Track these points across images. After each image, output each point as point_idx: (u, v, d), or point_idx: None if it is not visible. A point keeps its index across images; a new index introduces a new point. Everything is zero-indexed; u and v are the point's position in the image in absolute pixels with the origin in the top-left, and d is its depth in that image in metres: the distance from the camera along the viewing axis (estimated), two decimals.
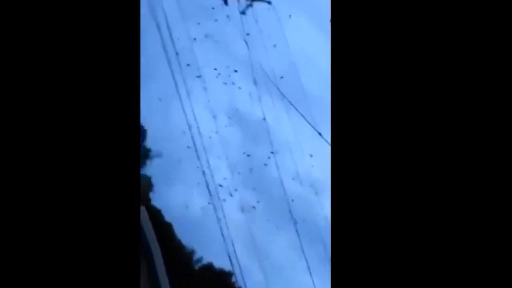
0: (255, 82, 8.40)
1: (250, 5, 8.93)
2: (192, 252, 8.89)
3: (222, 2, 9.04)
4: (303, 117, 7.86)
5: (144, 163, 9.48)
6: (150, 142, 9.28)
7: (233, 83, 8.69)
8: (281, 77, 8.25)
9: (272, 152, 8.41)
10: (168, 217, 8.36)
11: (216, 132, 8.76)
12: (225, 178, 8.10)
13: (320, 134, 7.44)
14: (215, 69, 8.38)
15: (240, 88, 8.66)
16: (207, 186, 8.46)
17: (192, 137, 8.39)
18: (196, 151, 7.99)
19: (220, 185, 8.37)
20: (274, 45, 8.46)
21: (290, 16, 9.13)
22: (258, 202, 8.48)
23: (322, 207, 8.04)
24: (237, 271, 8.40)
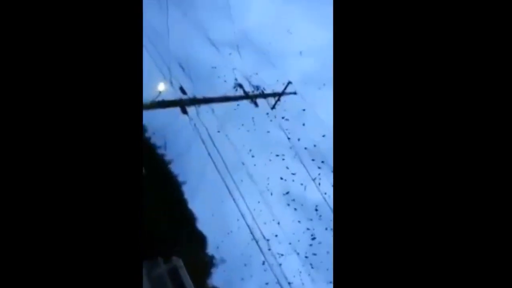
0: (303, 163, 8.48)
1: (278, 100, 9.45)
2: None
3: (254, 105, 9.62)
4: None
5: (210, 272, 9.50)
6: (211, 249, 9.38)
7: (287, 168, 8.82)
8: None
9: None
10: None
11: (278, 223, 8.73)
12: (295, 275, 7.82)
13: None
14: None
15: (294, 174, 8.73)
16: (278, 283, 8.29)
17: (253, 237, 8.40)
18: (262, 252, 7.94)
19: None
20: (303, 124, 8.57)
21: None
22: None
23: None
24: None
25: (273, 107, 8.94)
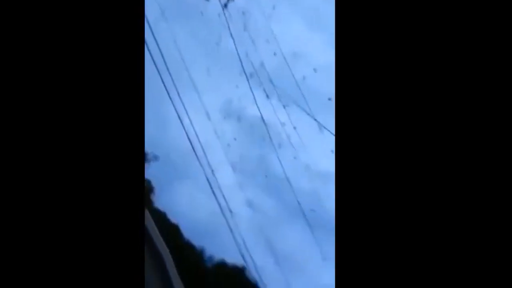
0: (247, 78, 8.29)
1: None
2: (202, 251, 8.79)
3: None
4: (302, 108, 7.71)
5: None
6: (146, 145, 9.22)
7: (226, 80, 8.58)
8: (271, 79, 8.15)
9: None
10: (173, 219, 8.26)
11: (214, 131, 8.67)
12: (226, 176, 8.00)
13: (320, 123, 7.31)
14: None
15: (237, 86, 8.56)
16: (210, 185, 8.34)
17: (189, 138, 8.28)
18: (195, 151, 7.88)
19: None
20: (267, 40, 8.35)
21: (274, 7, 9.03)
22: (264, 197, 8.38)
23: (328, 198, 7.89)
24: (250, 266, 8.28)
25: (225, 5, 8.30)
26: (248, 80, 8.34)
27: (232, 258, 8.62)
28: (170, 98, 8.09)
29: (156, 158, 9.07)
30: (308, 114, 7.89)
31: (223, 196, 8.21)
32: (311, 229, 8.40)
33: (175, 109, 8.16)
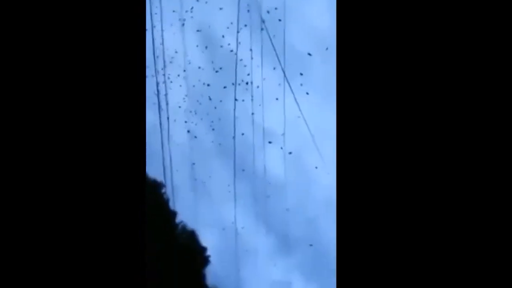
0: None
1: None
2: None
3: None
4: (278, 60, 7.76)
5: None
6: None
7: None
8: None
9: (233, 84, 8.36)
10: None
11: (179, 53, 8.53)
12: (182, 100, 8.03)
13: (289, 84, 7.46)
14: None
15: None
16: (159, 103, 8.37)
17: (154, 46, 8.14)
18: (155, 70, 7.81)
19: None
20: None
21: None
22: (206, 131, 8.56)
23: (264, 154, 8.28)
24: (168, 184, 8.61)
25: None
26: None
27: (157, 175, 8.89)
28: None
29: None
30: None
31: (167, 117, 8.31)
32: (234, 174, 8.85)
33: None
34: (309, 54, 7.71)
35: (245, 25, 7.93)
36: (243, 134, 8.13)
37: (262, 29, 7.86)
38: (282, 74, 7.96)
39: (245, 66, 8.12)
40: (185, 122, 8.43)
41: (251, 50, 8.08)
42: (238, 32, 7.81)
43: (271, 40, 8.06)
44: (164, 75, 8.19)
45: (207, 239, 9.53)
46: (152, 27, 7.98)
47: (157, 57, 7.98)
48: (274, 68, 7.80)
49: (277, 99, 8.10)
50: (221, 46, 7.76)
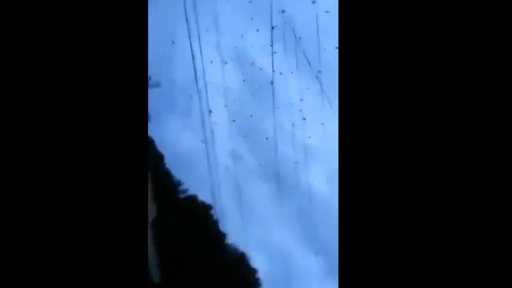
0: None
1: None
2: (178, 183, 9.25)
3: None
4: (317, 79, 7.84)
5: None
6: (150, 69, 9.31)
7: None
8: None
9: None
10: (160, 148, 8.62)
11: (221, 74, 8.84)
12: (215, 123, 8.31)
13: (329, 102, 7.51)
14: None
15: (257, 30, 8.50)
16: (203, 125, 8.67)
17: (195, 71, 8.46)
18: (198, 91, 8.13)
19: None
20: None
21: None
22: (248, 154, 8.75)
23: (307, 173, 8.33)
24: (217, 207, 8.80)
25: None
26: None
27: (204, 197, 9.13)
28: (189, 33, 8.21)
29: (158, 84, 9.25)
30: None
31: (212, 136, 8.59)
32: (279, 192, 8.94)
33: (191, 45, 8.31)
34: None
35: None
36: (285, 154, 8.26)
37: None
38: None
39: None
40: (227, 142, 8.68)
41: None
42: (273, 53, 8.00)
43: (308, 62, 8.19)
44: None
45: (256, 261, 9.59)
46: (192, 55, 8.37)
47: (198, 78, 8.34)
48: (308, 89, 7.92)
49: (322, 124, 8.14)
50: (259, 68, 8.02)
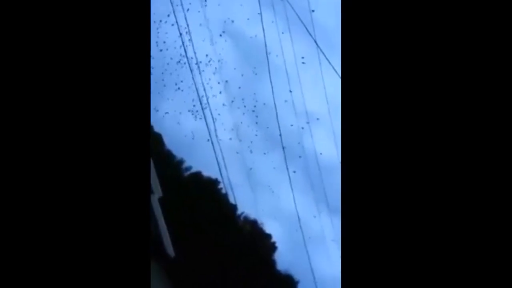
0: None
1: None
2: (181, 161, 9.16)
3: None
4: (311, 36, 7.43)
5: None
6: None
7: None
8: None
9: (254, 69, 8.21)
10: (157, 129, 8.47)
11: (212, 44, 8.52)
12: (214, 96, 8.07)
13: (326, 58, 7.19)
14: None
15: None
16: (200, 102, 8.43)
17: (186, 51, 8.15)
18: (190, 67, 7.82)
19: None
20: None
21: None
22: (249, 125, 8.54)
23: (309, 138, 8.11)
24: (225, 181, 8.69)
25: None
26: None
27: (209, 171, 9.01)
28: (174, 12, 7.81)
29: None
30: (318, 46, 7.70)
31: (211, 115, 8.36)
32: (286, 161, 8.77)
33: (176, 21, 7.95)
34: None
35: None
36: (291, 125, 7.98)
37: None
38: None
39: (277, 56, 7.95)
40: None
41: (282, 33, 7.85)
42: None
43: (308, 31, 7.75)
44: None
45: (270, 227, 9.59)
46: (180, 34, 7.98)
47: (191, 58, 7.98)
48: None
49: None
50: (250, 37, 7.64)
